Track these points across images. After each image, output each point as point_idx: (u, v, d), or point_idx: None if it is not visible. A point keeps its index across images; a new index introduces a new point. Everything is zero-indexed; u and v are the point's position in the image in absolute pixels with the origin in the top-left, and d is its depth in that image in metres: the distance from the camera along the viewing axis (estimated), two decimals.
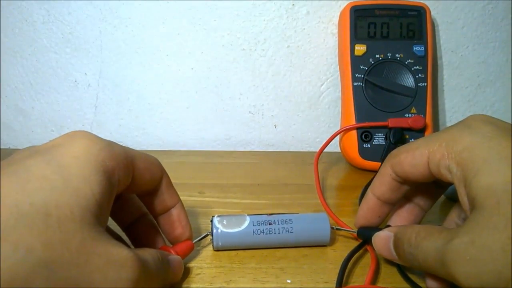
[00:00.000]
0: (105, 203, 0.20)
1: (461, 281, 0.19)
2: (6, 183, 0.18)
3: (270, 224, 0.28)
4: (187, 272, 0.27)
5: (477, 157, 0.21)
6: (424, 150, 0.24)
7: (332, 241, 0.30)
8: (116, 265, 0.19)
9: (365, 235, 0.28)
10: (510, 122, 0.23)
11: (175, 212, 0.27)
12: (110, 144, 0.22)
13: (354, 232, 0.29)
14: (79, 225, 0.18)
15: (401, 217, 0.28)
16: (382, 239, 0.25)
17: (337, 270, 0.26)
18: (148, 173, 0.25)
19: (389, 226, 0.27)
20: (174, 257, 0.25)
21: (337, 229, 0.31)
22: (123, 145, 0.23)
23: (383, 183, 0.27)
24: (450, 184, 0.23)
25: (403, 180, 0.26)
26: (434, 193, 0.28)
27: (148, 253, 0.22)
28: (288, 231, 0.28)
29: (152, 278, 0.22)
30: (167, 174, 0.27)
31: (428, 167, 0.24)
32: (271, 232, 0.28)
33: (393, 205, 0.28)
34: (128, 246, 0.22)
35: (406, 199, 0.28)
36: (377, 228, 0.28)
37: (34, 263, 0.17)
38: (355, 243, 0.29)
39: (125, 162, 0.22)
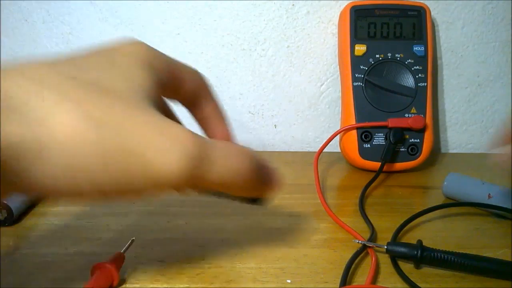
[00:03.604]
0: (154, 92, 0.21)
1: None
2: (69, 64, 0.19)
3: None
4: (186, 272, 0.27)
5: None
6: None
7: (332, 241, 0.30)
8: (164, 135, 0.18)
9: (394, 251, 0.27)
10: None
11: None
12: (156, 50, 0.24)
13: (383, 247, 0.28)
14: (128, 98, 0.19)
15: None
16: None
17: (337, 270, 0.26)
18: (185, 80, 0.26)
19: (420, 240, 0.27)
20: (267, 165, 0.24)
21: (364, 244, 0.28)
22: None
23: None
24: None
25: None
26: None
27: (227, 148, 0.21)
28: None
29: (222, 175, 0.20)
30: (211, 96, 0.28)
31: None
32: None
33: None
34: None
35: None
36: (405, 243, 0.27)
37: (88, 124, 0.17)
38: (354, 244, 0.29)
39: (168, 67, 0.24)
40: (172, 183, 0.19)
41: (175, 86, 0.25)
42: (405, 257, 0.27)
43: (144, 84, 0.20)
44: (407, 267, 0.27)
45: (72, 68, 0.19)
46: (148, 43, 0.24)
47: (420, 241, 0.27)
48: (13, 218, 0.31)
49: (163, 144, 0.18)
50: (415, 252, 0.26)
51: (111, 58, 0.21)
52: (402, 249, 0.27)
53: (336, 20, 0.52)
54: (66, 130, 0.17)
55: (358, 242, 0.28)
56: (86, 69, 0.20)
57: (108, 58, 0.21)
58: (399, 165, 0.46)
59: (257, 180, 0.22)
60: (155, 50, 0.24)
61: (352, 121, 0.46)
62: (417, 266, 0.27)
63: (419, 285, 0.25)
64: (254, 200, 0.26)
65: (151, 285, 0.25)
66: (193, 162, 0.19)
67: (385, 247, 0.27)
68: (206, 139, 0.20)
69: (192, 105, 0.27)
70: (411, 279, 0.25)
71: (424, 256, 0.26)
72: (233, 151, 0.21)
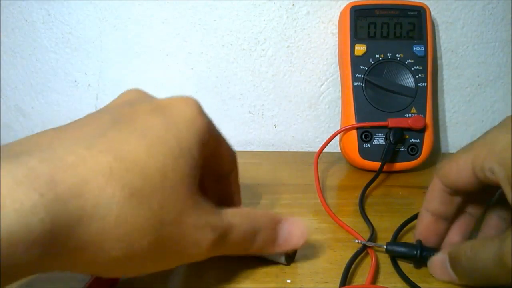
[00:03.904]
0: (200, 171, 0.22)
1: None
2: (134, 142, 0.20)
3: None
4: (186, 272, 0.27)
5: None
6: (467, 157, 0.24)
7: (332, 241, 0.30)
8: (201, 228, 0.21)
9: (393, 251, 0.27)
10: None
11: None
12: (211, 122, 0.24)
13: (383, 247, 0.28)
14: (186, 190, 0.21)
15: (454, 230, 0.28)
16: (438, 263, 0.25)
17: (337, 270, 0.26)
18: (224, 160, 0.27)
19: (419, 240, 0.27)
20: (288, 224, 0.25)
21: (364, 244, 0.28)
22: None
23: (434, 197, 0.27)
24: (498, 188, 0.23)
25: (453, 191, 0.26)
26: (484, 200, 0.28)
27: (242, 218, 0.23)
28: None
29: (237, 244, 0.23)
30: (237, 171, 0.29)
31: (473, 173, 0.23)
32: None
33: (448, 220, 0.28)
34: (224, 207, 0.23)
35: (458, 211, 0.28)
36: (404, 243, 0.27)
37: (149, 218, 0.19)
38: (354, 244, 0.29)
39: (215, 143, 0.25)
40: (197, 261, 0.22)
41: (211, 167, 0.26)
42: (405, 257, 0.27)
43: (198, 164, 0.22)
44: (407, 267, 0.27)
45: (139, 153, 0.19)
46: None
47: (420, 241, 0.27)
48: None
49: (200, 238, 0.21)
50: (415, 252, 0.26)
51: (176, 136, 0.21)
52: (402, 249, 0.27)
53: (336, 20, 0.52)
54: (132, 235, 0.19)
55: (358, 242, 0.28)
56: (153, 149, 0.20)
57: (173, 137, 0.21)
58: (399, 165, 0.46)
59: (274, 240, 0.25)
60: (210, 122, 0.24)
61: (352, 121, 0.46)
62: (417, 266, 0.27)
63: (419, 285, 0.25)
64: (286, 258, 0.27)
65: (151, 285, 0.25)
66: (217, 246, 0.22)
67: (385, 247, 0.28)
68: (228, 221, 0.23)
69: (214, 181, 0.28)
70: (411, 279, 0.25)
71: (424, 256, 0.26)
72: (247, 224, 0.24)
